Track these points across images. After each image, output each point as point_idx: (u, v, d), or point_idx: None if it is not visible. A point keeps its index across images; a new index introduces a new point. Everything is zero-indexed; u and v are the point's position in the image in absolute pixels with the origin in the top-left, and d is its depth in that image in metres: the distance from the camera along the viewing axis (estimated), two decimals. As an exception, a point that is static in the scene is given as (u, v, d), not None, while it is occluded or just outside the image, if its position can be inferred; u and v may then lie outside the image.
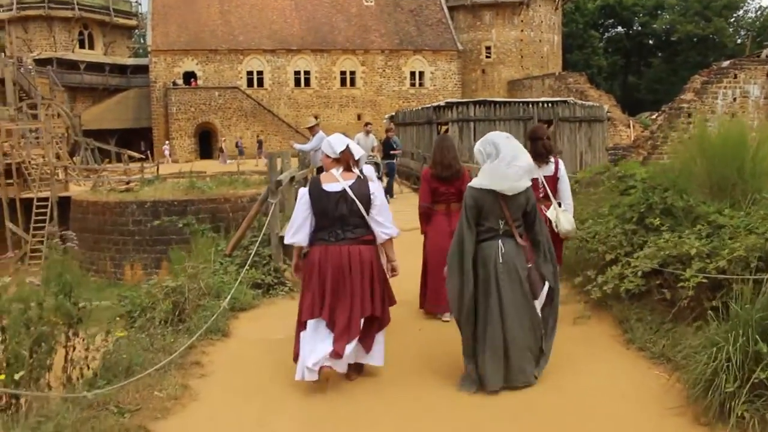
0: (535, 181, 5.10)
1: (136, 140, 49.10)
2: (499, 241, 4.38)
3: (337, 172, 4.66)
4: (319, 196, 4.57)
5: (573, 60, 63.74)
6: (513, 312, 4.41)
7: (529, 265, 4.48)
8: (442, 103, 22.50)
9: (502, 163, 4.30)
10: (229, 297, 5.94)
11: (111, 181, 25.08)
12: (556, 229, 5.67)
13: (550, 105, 22.15)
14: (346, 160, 4.67)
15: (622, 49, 73.42)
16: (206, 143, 48.02)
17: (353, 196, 4.53)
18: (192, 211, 21.08)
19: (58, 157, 26.05)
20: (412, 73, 52.81)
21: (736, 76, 26.64)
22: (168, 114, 47.52)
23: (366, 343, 4.61)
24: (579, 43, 67.54)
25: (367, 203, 4.60)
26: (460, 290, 4.39)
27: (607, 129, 24.81)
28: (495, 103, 21.94)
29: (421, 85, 52.71)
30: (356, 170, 4.71)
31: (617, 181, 6.10)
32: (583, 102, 23.66)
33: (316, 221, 4.61)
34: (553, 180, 5.84)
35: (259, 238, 7.16)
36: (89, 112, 49.79)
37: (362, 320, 4.56)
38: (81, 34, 53.40)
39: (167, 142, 46.34)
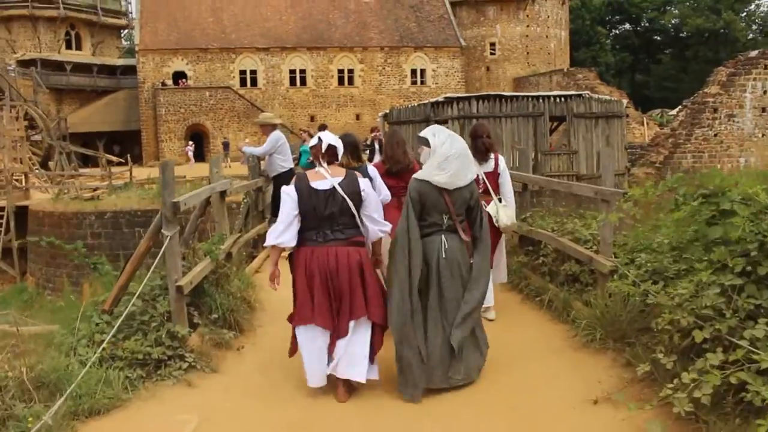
0: (476, 177, 4.99)
1: (128, 143, 47.39)
2: (442, 236, 4.45)
3: (324, 169, 4.47)
4: (307, 195, 4.39)
5: (580, 58, 62.23)
6: (454, 309, 4.48)
7: (472, 261, 4.56)
8: (440, 99, 20.08)
9: (449, 154, 4.34)
10: (63, 398, 3.50)
11: (78, 188, 22.61)
12: (496, 224, 5.87)
13: (563, 99, 19.73)
14: (325, 150, 4.52)
15: (630, 46, 72.20)
16: (199, 145, 45.78)
17: (343, 194, 4.38)
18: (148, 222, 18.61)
19: (20, 162, 23.66)
20: (413, 71, 50.76)
21: (766, 67, 24.11)
22: (157, 116, 45.65)
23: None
24: (585, 40, 66.33)
25: (358, 201, 4.44)
26: (403, 292, 4.41)
27: (625, 126, 22.27)
28: (501, 97, 19.53)
29: (422, 83, 50.70)
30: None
31: (700, 202, 3.68)
32: (600, 96, 21.14)
33: (303, 221, 4.45)
34: (494, 176, 6.05)
35: (140, 288, 4.78)
36: (76, 115, 48.17)
37: (352, 323, 4.42)
38: (68, 34, 51.88)
39: (190, 143, 44.45)
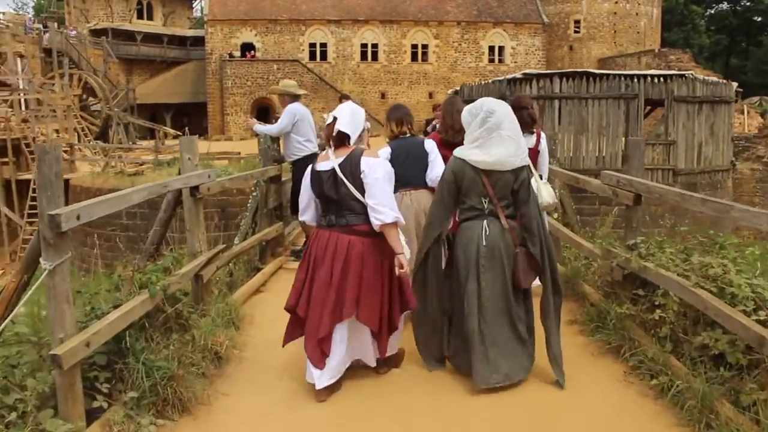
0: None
1: (196, 115, 46.74)
2: (484, 221, 4.09)
3: (330, 149, 4.16)
4: (313, 177, 4.19)
5: (671, 39, 59.20)
6: (492, 303, 4.10)
7: (517, 251, 4.10)
8: (518, 75, 17.55)
9: (498, 131, 3.99)
10: None
11: (125, 162, 21.26)
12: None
13: (662, 80, 16.80)
14: (335, 135, 4.13)
15: (727, 27, 68.55)
16: (265, 119, 44.43)
17: (342, 176, 4.00)
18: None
19: (58, 132, 22.45)
20: (491, 48, 47.98)
21: None
22: (223, 88, 44.54)
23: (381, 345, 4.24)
24: (678, 19, 62.90)
25: (361, 184, 3.98)
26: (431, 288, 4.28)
27: (733, 113, 19.20)
28: (588, 75, 16.85)
29: (500, 61, 47.88)
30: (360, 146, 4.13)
31: None
32: (705, 77, 18.14)
33: (319, 203, 4.23)
34: (534, 153, 5.67)
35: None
36: (145, 86, 47.98)
37: (339, 327, 4.05)
38: (139, 3, 51.27)
39: (251, 118, 42.72)
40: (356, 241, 4.02)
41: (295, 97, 7.41)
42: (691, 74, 17.68)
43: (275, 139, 7.39)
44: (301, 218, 4.41)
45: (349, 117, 4.14)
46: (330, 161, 4.08)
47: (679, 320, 4.16)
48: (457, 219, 4.28)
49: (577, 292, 5.67)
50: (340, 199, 4.03)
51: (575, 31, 49.20)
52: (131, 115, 40.86)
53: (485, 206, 4.08)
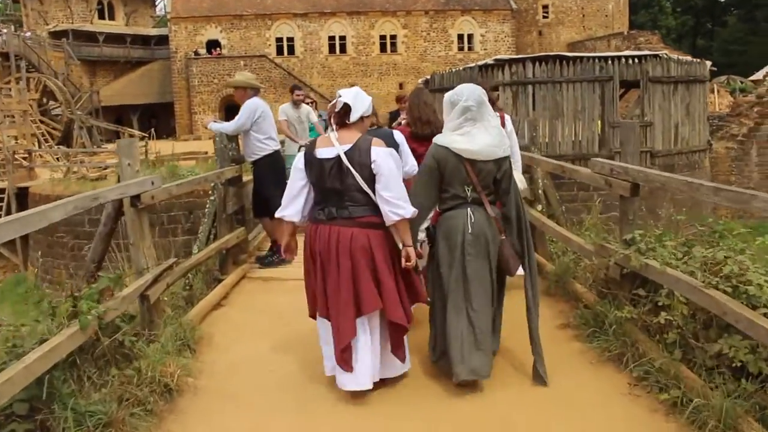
0: None
1: (163, 116, 45.75)
2: (468, 209, 3.97)
3: (333, 134, 3.84)
4: (311, 164, 3.83)
5: (638, 21, 60.00)
6: (480, 292, 3.96)
7: (502, 238, 4.02)
8: (490, 61, 17.07)
9: (481, 120, 3.89)
10: None
11: (88, 167, 20.48)
12: None
13: (636, 61, 16.42)
14: (337, 110, 3.85)
15: (693, 8, 68.82)
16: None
17: (348, 165, 3.71)
18: (163, 207, 16.31)
19: (16, 138, 21.55)
20: (460, 36, 47.54)
21: None
22: (190, 87, 43.71)
23: (397, 351, 3.97)
24: (645, 2, 63.11)
25: (369, 174, 3.73)
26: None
27: (708, 92, 18.92)
28: (561, 59, 16.42)
29: (470, 49, 47.45)
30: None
31: None
32: (680, 57, 17.81)
33: (315, 193, 3.91)
34: None
35: None
36: (110, 87, 46.91)
37: (364, 321, 3.81)
38: (100, 3, 49.89)
39: (214, 115, 41.61)
40: (359, 234, 3.77)
41: (256, 91, 6.82)
42: (665, 54, 17.33)
43: (233, 138, 6.81)
44: (280, 214, 4.02)
45: (354, 94, 3.92)
46: (334, 148, 3.78)
47: (687, 324, 3.67)
48: (437, 209, 4.16)
49: (568, 292, 5.19)
50: (343, 190, 3.77)
51: (544, 17, 49.03)
52: (96, 118, 39.81)
53: (468, 194, 3.96)
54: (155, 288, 4.37)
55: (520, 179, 5.40)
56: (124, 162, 4.37)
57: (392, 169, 3.74)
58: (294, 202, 3.95)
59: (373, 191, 3.75)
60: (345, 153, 3.74)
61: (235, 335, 5.08)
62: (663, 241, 4.20)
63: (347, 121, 3.88)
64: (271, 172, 6.69)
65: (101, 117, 41.42)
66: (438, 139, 4.00)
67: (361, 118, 3.94)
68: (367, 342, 3.84)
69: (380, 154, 3.74)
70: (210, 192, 6.51)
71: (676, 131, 17.30)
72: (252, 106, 6.61)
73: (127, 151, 4.37)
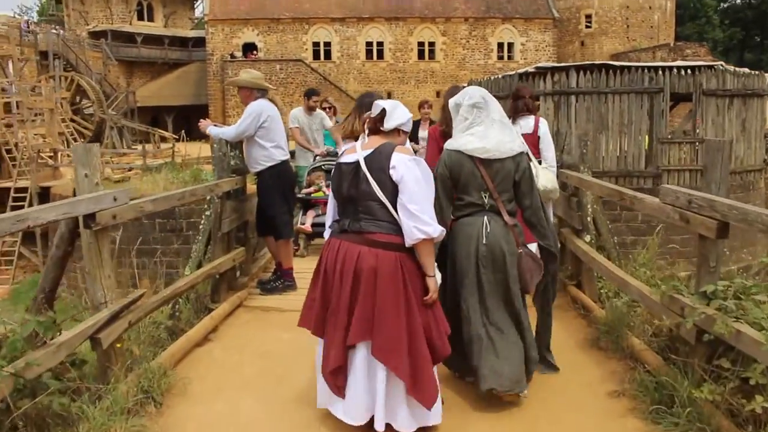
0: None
1: (198, 118, 45.49)
2: (485, 217, 3.73)
3: (362, 140, 3.47)
4: (334, 172, 3.54)
5: (684, 33, 57.76)
6: (498, 306, 3.74)
7: (520, 251, 3.78)
8: (531, 69, 16.08)
9: (489, 116, 3.74)
10: None
11: (112, 168, 20.02)
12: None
13: (689, 72, 15.27)
14: (374, 115, 3.46)
15: (741, 20, 66.74)
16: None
17: (366, 172, 3.27)
18: (183, 212, 15.67)
19: (44, 137, 21.18)
20: (500, 45, 46.54)
21: None
22: (225, 89, 43.23)
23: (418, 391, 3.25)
24: (691, 13, 61.54)
25: (388, 183, 3.24)
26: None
27: (766, 107, 17.65)
28: (607, 68, 15.32)
29: (510, 58, 46.41)
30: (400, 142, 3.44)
31: None
32: (736, 68, 16.60)
33: (337, 205, 3.59)
34: (533, 138, 5.48)
35: None
36: (146, 88, 46.96)
37: (359, 353, 3.29)
38: (139, 5, 50.16)
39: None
40: (367, 254, 3.25)
41: (263, 93, 5.99)
42: (721, 65, 16.14)
43: (236, 145, 6.00)
44: (326, 233, 3.71)
45: (393, 103, 3.50)
46: (355, 154, 3.40)
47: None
48: (452, 216, 3.89)
49: (622, 347, 4.22)
50: (358, 199, 3.33)
51: (587, 26, 47.92)
52: (130, 119, 39.72)
53: (486, 201, 3.74)
54: (111, 329, 3.54)
55: (550, 178, 5.24)
56: (81, 172, 3.56)
57: (418, 179, 3.24)
58: (330, 219, 3.67)
59: (393, 204, 3.26)
60: (364, 158, 3.31)
61: (217, 383, 4.22)
62: (753, 296, 3.23)
63: (381, 128, 3.44)
64: (277, 186, 5.83)
65: (136, 117, 41.40)
66: (449, 144, 3.79)
67: (398, 131, 3.46)
68: (362, 372, 3.31)
69: (402, 161, 3.25)
70: (206, 206, 5.69)
71: (730, 149, 16.08)
72: (257, 109, 5.78)
73: (84, 159, 3.55)
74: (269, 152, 5.79)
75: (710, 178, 3.23)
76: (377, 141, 3.39)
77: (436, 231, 3.23)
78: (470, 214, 3.73)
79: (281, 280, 6.00)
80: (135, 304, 3.85)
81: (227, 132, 5.78)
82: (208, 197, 5.55)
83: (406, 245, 3.25)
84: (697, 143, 15.67)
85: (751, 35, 68.12)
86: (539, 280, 3.86)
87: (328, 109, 8.85)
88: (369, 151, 3.34)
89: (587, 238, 5.25)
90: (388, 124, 3.40)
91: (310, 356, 4.57)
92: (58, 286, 3.97)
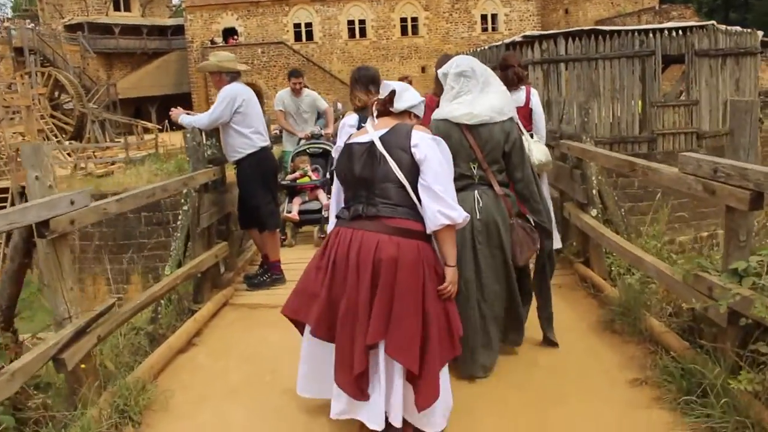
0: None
1: (182, 106, 44.68)
2: (476, 192, 3.60)
3: (372, 121, 3.22)
4: (342, 154, 3.21)
5: None
6: (492, 281, 3.63)
7: (512, 221, 3.67)
8: (518, 38, 15.67)
9: (474, 84, 3.62)
10: None
11: (95, 162, 19.54)
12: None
13: (681, 33, 14.89)
14: (382, 95, 3.19)
15: None
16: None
17: (383, 150, 3.00)
18: (168, 204, 15.27)
19: (23, 135, 20.63)
20: (484, 17, 45.78)
21: None
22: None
23: (419, 390, 2.94)
24: None
25: (407, 163, 2.97)
26: None
27: (759, 66, 17.30)
28: (597, 33, 14.93)
29: (494, 29, 45.69)
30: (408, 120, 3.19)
31: None
32: (728, 27, 16.21)
33: (344, 191, 3.23)
34: (525, 111, 5.35)
35: None
36: (127, 80, 46.14)
37: (370, 350, 2.93)
38: (115, -6, 48.73)
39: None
40: (387, 243, 2.93)
41: (235, 75, 5.58)
42: (713, 24, 15.76)
43: (212, 133, 5.60)
44: (329, 226, 3.37)
45: (401, 85, 3.25)
46: (368, 134, 3.13)
47: None
48: None
49: (639, 330, 3.89)
50: (374, 181, 3.02)
51: (570, -7, 47.12)
52: (113, 112, 39.03)
53: (474, 172, 3.61)
54: (77, 346, 3.18)
55: (543, 151, 5.05)
56: (31, 175, 3.18)
57: (440, 159, 3.00)
58: (335, 210, 3.32)
59: (412, 185, 2.97)
60: (380, 138, 3.05)
61: (202, 393, 3.87)
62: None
63: (390, 109, 3.18)
64: (258, 175, 5.43)
65: (119, 110, 40.71)
66: (436, 114, 3.67)
67: (408, 113, 3.22)
68: (382, 371, 2.97)
69: (424, 139, 3.02)
70: (182, 200, 5.30)
71: (724, 110, 15.75)
72: (231, 93, 5.36)
73: (33, 160, 3.17)
74: (247, 139, 5.38)
75: (738, 143, 2.87)
76: (390, 121, 3.15)
77: (461, 216, 2.95)
78: (461, 189, 3.49)
79: (268, 273, 5.61)
80: (105, 316, 3.49)
81: (200, 120, 5.37)
82: (185, 191, 5.16)
83: (428, 231, 2.99)
84: (691, 105, 15.34)
85: (734, -7, 67.73)
86: (531, 253, 3.73)
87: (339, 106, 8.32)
88: (384, 131, 3.09)
89: (593, 212, 4.89)
90: (398, 104, 3.17)
91: (299, 358, 4.26)
92: (16, 303, 3.57)
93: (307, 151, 7.61)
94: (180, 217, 5.35)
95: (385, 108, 3.18)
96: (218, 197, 5.47)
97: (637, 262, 3.88)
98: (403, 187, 2.97)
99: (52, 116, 29.39)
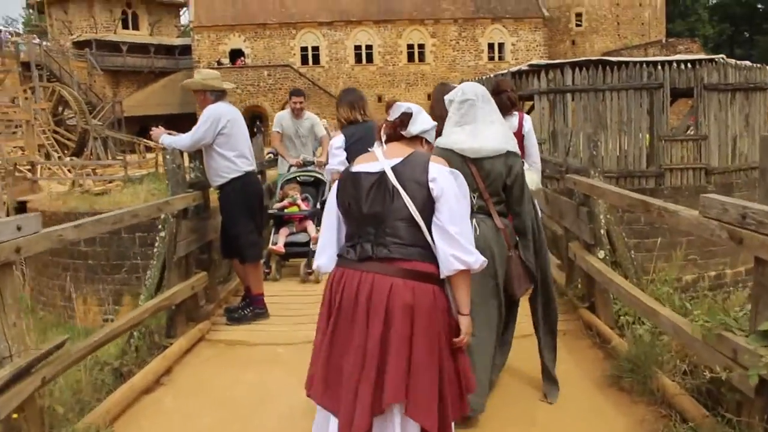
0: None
1: (186, 127, 44.74)
2: (473, 220, 3.24)
3: (380, 148, 2.82)
4: (345, 182, 2.80)
5: (675, 30, 57.13)
6: (482, 316, 3.45)
7: (510, 254, 3.59)
8: (524, 67, 15.42)
9: (480, 113, 3.57)
10: None
11: (93, 180, 19.29)
12: None
13: (690, 66, 14.63)
14: (395, 118, 2.86)
15: (730, 17, 66.51)
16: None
17: (396, 184, 2.64)
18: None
19: (23, 149, 20.42)
20: (491, 45, 45.80)
21: None
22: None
23: None
24: (681, 10, 61.03)
25: (423, 199, 2.63)
26: None
27: (768, 101, 17.01)
28: (604, 63, 14.68)
29: (500, 58, 45.62)
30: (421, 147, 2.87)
31: None
32: (737, 62, 15.97)
33: (347, 226, 2.83)
34: (518, 137, 5.19)
35: None
36: (133, 98, 46.17)
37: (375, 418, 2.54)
38: (124, 13, 49.27)
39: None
40: (401, 288, 2.58)
41: (220, 95, 5.27)
42: (722, 58, 15.52)
43: (196, 155, 5.27)
44: (317, 263, 2.92)
45: (415, 106, 2.93)
46: (378, 162, 2.76)
47: None
48: None
49: (650, 390, 3.50)
50: (385, 217, 2.67)
51: (577, 25, 47.36)
52: (118, 129, 38.92)
53: (474, 202, 3.44)
54: (15, 390, 2.81)
55: (533, 180, 5.03)
56: None
57: (458, 196, 2.68)
58: (328, 247, 2.84)
59: (427, 223, 2.65)
60: (392, 168, 2.69)
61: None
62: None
63: (402, 133, 2.85)
64: (241, 201, 5.07)
65: (124, 127, 40.63)
66: (440, 142, 3.52)
67: (421, 139, 2.90)
68: None
69: (442, 173, 2.68)
70: (160, 226, 4.96)
71: (734, 145, 15.45)
72: (214, 114, 5.04)
73: None
74: (231, 163, 5.04)
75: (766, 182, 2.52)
76: (402, 148, 2.81)
77: (478, 261, 2.64)
78: None
79: (250, 307, 5.23)
80: (55, 354, 3.12)
81: (182, 141, 5.03)
82: (162, 216, 4.81)
83: (441, 276, 2.68)
84: (700, 140, 15.04)
85: (740, 31, 68.21)
86: (528, 287, 3.65)
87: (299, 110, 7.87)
88: (398, 160, 2.74)
89: (601, 253, 4.52)
90: (413, 128, 2.85)
91: (276, 404, 3.88)
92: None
93: (298, 179, 7.16)
94: (156, 244, 5.00)
95: (396, 132, 2.86)
96: (198, 224, 5.11)
97: (651, 315, 3.50)
98: (416, 225, 2.66)
99: (55, 132, 29.21)
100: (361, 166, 2.80)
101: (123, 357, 4.55)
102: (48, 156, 23.99)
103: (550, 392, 3.71)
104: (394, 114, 2.89)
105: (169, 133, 5.25)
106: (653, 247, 13.07)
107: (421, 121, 2.87)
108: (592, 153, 4.81)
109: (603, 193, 4.17)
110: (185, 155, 5.32)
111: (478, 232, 3.42)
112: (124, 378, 4.22)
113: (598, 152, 4.85)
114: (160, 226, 4.94)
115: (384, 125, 2.91)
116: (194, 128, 5.07)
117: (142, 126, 45.28)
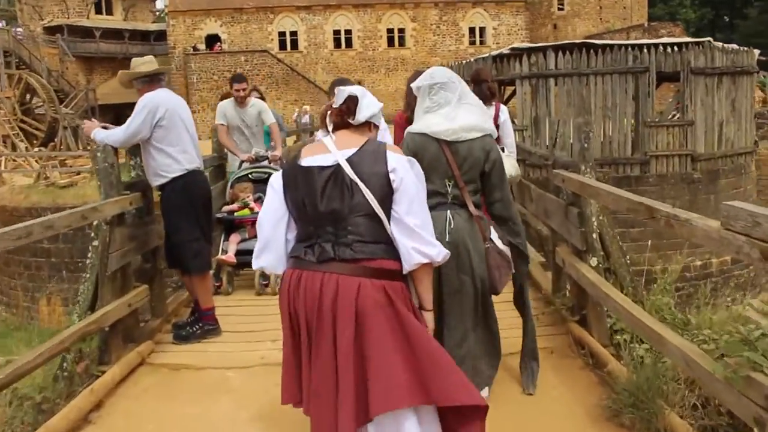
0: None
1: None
2: (448, 212, 3.37)
3: (328, 137, 2.64)
4: (294, 178, 2.57)
5: (656, 14, 56.93)
6: (456, 309, 3.36)
7: (487, 245, 3.40)
8: (505, 51, 14.90)
9: (453, 96, 3.39)
10: None
11: (60, 172, 18.56)
12: None
13: (675, 49, 14.16)
14: (339, 104, 2.65)
15: (711, 1, 66.22)
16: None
17: (354, 177, 2.48)
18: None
19: None
20: (472, 30, 45.64)
21: None
22: (188, 84, 41.80)
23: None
24: None
25: (383, 192, 2.48)
26: None
27: (755, 85, 16.61)
28: (588, 47, 14.16)
29: (482, 43, 45.37)
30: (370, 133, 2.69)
31: None
32: (725, 45, 15.53)
33: (299, 225, 2.61)
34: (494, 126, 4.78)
35: None
36: (107, 85, 45.02)
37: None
38: (97, -3, 47.76)
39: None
40: (370, 288, 2.42)
41: (154, 81, 4.65)
42: (709, 41, 15.06)
43: (136, 151, 4.66)
44: (257, 264, 2.70)
45: (359, 89, 2.71)
46: (330, 154, 2.55)
47: None
48: None
49: (656, 429, 2.97)
50: (344, 214, 2.48)
51: (559, 8, 47.10)
52: (90, 118, 37.99)
53: (449, 190, 3.38)
54: None
55: (513, 165, 5.09)
56: None
57: (417, 186, 2.56)
58: (272, 245, 2.62)
59: (388, 216, 2.51)
60: (348, 160, 2.51)
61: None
62: None
63: (350, 121, 2.64)
64: (183, 204, 4.46)
65: (98, 116, 39.62)
66: (412, 128, 3.46)
67: (369, 124, 2.70)
68: None
69: (401, 162, 2.53)
70: (93, 234, 4.37)
71: (720, 131, 15.03)
72: (150, 103, 4.42)
73: None
74: (171, 159, 4.42)
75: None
76: (354, 137, 2.62)
77: (441, 253, 2.50)
78: (433, 208, 3.07)
79: (199, 324, 4.63)
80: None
81: (114, 135, 4.42)
82: (95, 223, 4.22)
83: (404, 271, 2.53)
84: (686, 126, 14.59)
85: (720, 15, 68.15)
86: (507, 279, 3.49)
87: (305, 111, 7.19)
88: (352, 151, 2.55)
89: (593, 261, 3.98)
90: (361, 115, 2.65)
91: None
92: None
93: (250, 176, 6.38)
94: (89, 255, 4.39)
95: (343, 119, 2.64)
96: (139, 230, 4.50)
97: (656, 342, 2.95)
98: (378, 220, 2.49)
99: (23, 121, 28.26)
100: (312, 159, 2.56)
101: (51, 388, 3.96)
102: (14, 147, 23.10)
103: (528, 385, 3.63)
104: (339, 99, 2.65)
105: (104, 127, 4.62)
106: (639, 237, 12.66)
107: (367, 105, 2.65)
108: (583, 145, 4.26)
109: (596, 192, 3.61)
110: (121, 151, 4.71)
111: (452, 225, 3.32)
112: (47, 416, 3.64)
113: (590, 144, 4.29)
114: (92, 234, 4.34)
115: (329, 112, 2.67)
116: (128, 120, 4.44)
117: (116, 114, 44.34)
